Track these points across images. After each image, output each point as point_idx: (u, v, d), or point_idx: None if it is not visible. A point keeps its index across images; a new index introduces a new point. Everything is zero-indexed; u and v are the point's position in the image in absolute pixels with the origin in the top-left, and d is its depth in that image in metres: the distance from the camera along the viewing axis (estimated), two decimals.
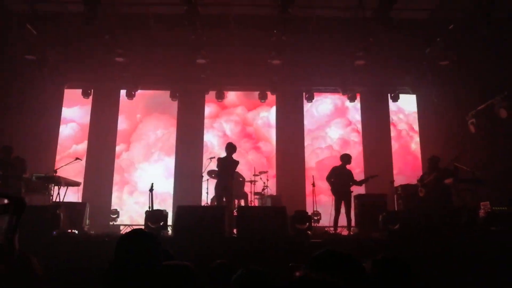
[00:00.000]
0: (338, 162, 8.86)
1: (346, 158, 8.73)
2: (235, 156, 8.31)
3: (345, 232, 8.90)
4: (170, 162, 11.82)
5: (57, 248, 4.83)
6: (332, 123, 12.47)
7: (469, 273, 5.31)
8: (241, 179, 9.55)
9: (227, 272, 2.92)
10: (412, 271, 2.09)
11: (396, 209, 8.75)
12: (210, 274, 2.96)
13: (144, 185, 10.57)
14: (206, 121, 12.15)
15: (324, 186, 11.09)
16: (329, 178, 8.64)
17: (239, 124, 12.36)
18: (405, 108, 12.59)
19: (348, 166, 8.72)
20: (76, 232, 6.83)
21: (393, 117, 12.40)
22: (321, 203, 10.90)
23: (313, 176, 9.90)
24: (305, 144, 12.04)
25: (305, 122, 12.24)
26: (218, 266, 3.00)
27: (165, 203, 10.96)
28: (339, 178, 8.54)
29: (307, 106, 12.28)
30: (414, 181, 8.88)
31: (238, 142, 11.39)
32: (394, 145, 12.15)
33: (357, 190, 8.85)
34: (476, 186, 7.74)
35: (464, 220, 7.34)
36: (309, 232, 7.08)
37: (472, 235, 6.75)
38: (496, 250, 5.81)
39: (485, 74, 9.68)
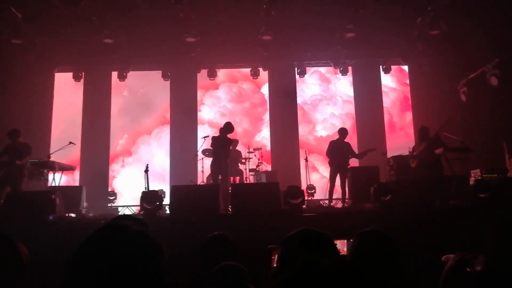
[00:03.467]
0: (333, 136, 8.97)
1: (342, 132, 8.87)
2: (231, 136, 8.36)
3: (339, 205, 9.09)
4: (165, 142, 11.88)
5: (53, 232, 4.95)
6: (327, 96, 12.49)
7: (458, 241, 5.47)
8: (237, 157, 9.62)
9: (223, 243, 2.98)
10: (394, 244, 2.10)
11: (388, 180, 8.88)
12: (205, 246, 2.98)
13: (140, 166, 10.67)
14: (199, 99, 12.18)
15: (318, 160, 11.27)
16: (328, 153, 8.80)
17: (234, 101, 12.37)
18: (397, 79, 12.60)
19: (345, 139, 8.86)
20: (74, 215, 6.94)
21: (385, 88, 12.41)
22: (317, 176, 11.08)
23: (305, 151, 10.02)
24: (301, 118, 12.11)
25: (300, 96, 12.29)
26: (213, 238, 3.03)
27: (163, 182, 11.08)
28: (337, 151, 8.69)
29: (301, 80, 12.26)
30: (406, 152, 8.99)
31: (233, 118, 11.44)
32: (387, 116, 12.22)
33: (350, 162, 8.96)
34: (466, 154, 7.84)
35: (455, 188, 7.49)
36: (304, 206, 7.22)
37: (463, 203, 6.92)
38: (485, 217, 5.96)
39: (476, 42, 9.64)
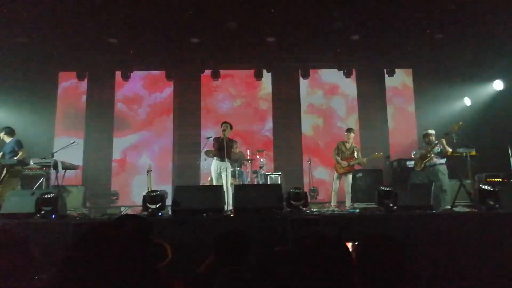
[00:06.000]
0: (338, 138, 8.93)
1: (349, 132, 8.84)
2: (231, 135, 8.34)
3: (343, 208, 9.05)
4: (168, 142, 11.86)
5: (54, 231, 4.93)
6: (331, 97, 12.43)
7: (461, 246, 5.42)
8: (240, 157, 9.61)
9: (236, 238, 2.95)
10: (402, 248, 2.06)
11: (392, 183, 8.84)
12: (218, 240, 2.95)
13: (143, 166, 10.68)
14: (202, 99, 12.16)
15: (322, 162, 11.21)
16: (335, 154, 8.79)
17: (235, 102, 12.33)
18: (401, 82, 12.52)
19: (352, 140, 8.83)
20: (75, 215, 6.92)
21: (389, 91, 12.34)
22: (320, 179, 11.03)
23: (309, 154, 9.99)
24: (303, 120, 12.06)
25: (304, 97, 12.23)
26: (227, 233, 3.00)
27: (165, 183, 11.07)
28: (343, 153, 8.69)
29: (305, 80, 12.19)
30: (410, 155, 8.95)
31: (235, 120, 11.41)
32: (390, 119, 12.15)
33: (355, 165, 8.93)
34: (470, 159, 7.80)
35: (462, 192, 7.43)
36: (306, 208, 7.16)
37: (467, 208, 6.86)
38: (490, 222, 5.89)
39: (481, 46, 9.60)
